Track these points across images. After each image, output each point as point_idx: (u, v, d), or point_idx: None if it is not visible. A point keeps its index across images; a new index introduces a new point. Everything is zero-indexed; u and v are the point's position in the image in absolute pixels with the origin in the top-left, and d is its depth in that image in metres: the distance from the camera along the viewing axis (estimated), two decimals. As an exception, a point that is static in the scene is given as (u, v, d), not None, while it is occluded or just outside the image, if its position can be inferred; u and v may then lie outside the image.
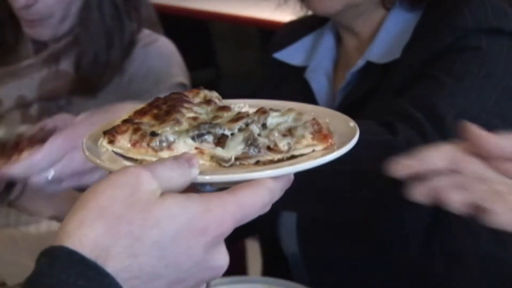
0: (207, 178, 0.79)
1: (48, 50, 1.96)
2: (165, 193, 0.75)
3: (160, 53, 1.95)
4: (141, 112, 0.88)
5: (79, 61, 1.92)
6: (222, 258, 0.77)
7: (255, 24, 4.60)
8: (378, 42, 1.57)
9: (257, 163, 0.82)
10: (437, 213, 1.41)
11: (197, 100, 0.93)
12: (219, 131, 0.84)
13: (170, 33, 2.16)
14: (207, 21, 5.01)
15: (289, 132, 0.85)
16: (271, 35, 1.87)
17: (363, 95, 1.54)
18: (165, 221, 0.73)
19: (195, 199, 0.75)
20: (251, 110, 0.90)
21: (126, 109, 1.17)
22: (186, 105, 0.89)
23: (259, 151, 0.82)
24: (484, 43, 1.42)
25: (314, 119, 0.86)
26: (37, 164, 1.24)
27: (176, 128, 0.84)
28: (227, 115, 0.88)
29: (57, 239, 0.72)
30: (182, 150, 0.82)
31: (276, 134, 0.84)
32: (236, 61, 5.12)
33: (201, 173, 0.78)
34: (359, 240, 1.52)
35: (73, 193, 1.88)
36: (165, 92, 1.91)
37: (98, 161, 0.81)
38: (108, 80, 1.90)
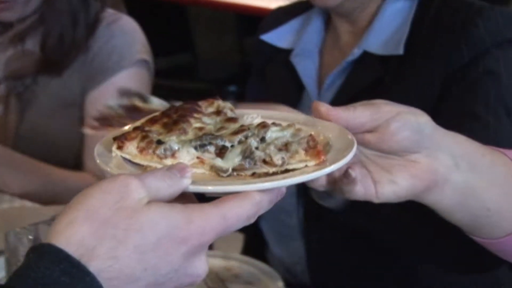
0: (198, 188, 0.83)
1: (14, 30, 1.98)
2: (151, 201, 0.79)
3: (123, 31, 1.99)
4: (152, 120, 0.92)
5: (44, 40, 1.96)
6: (200, 266, 0.81)
7: (233, 9, 4.58)
8: (375, 32, 1.56)
9: (253, 174, 0.86)
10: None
11: (210, 109, 0.97)
12: (220, 142, 0.88)
13: (148, 17, 2.15)
14: (185, 6, 4.99)
15: (285, 147, 0.88)
16: (249, 20, 1.87)
17: (367, 87, 1.53)
18: (148, 228, 0.77)
19: (178, 209, 0.79)
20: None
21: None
22: (196, 115, 0.93)
23: (255, 164, 0.87)
24: (502, 64, 1.43)
25: (311, 135, 0.89)
26: None
27: (182, 137, 0.89)
28: (232, 126, 0.92)
29: (47, 236, 0.77)
30: (185, 159, 0.87)
31: (272, 148, 0.88)
32: (214, 45, 5.10)
33: (196, 183, 0.83)
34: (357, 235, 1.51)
35: (45, 169, 1.88)
36: (128, 68, 1.91)
37: (108, 169, 0.86)
38: (73, 59, 1.94)
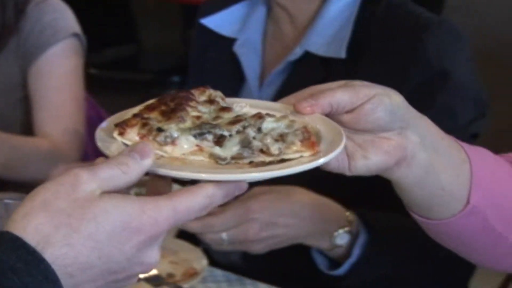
0: (195, 175, 0.86)
1: None
2: (104, 193, 0.82)
3: (53, 8, 2.03)
4: (150, 108, 0.95)
5: None
6: (153, 256, 0.84)
7: (177, 0, 4.57)
8: (317, 31, 1.56)
9: (251, 163, 0.90)
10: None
11: (202, 98, 1.00)
12: (218, 131, 0.91)
13: (91, 9, 2.16)
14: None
15: (280, 137, 0.92)
16: (194, 10, 1.85)
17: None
18: (101, 217, 0.80)
19: (131, 200, 0.82)
20: (253, 110, 0.98)
21: (300, 192, 1.41)
22: (191, 103, 0.96)
23: (252, 153, 0.91)
24: (456, 96, 1.48)
25: (304, 127, 0.94)
26: None
27: (181, 125, 0.92)
28: (227, 116, 0.95)
29: (6, 225, 0.80)
30: (184, 146, 0.90)
31: (269, 139, 0.92)
32: (158, 37, 5.10)
33: (193, 170, 0.87)
34: None
35: (18, 142, 1.88)
36: (63, 40, 1.98)
37: (108, 153, 0.89)
38: (6, 42, 1.98)
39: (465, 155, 1.09)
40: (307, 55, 1.55)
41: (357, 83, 1.01)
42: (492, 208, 1.11)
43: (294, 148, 0.91)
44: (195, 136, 0.91)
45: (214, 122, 0.93)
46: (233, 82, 1.66)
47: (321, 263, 1.47)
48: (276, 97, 1.57)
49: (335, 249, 1.43)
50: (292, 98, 1.02)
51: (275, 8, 1.63)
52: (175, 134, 0.90)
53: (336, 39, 1.53)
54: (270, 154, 0.90)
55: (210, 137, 0.91)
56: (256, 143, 0.91)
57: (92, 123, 2.05)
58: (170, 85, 4.14)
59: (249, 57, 1.65)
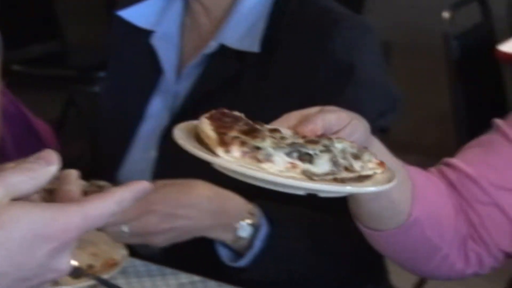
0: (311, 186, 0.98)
1: None
2: (14, 201, 0.81)
3: None
4: (224, 127, 1.01)
5: None
6: (64, 262, 0.84)
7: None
8: (232, 24, 1.58)
9: (335, 179, 1.00)
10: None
11: None
12: (305, 150, 1.00)
13: (13, 5, 2.13)
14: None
15: (354, 156, 1.03)
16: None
17: (226, 81, 1.57)
18: (11, 225, 0.79)
19: (41, 207, 0.81)
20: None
21: (201, 184, 1.42)
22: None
23: (339, 170, 1.00)
24: (342, 94, 1.51)
25: (365, 147, 1.06)
26: None
27: (265, 143, 0.99)
28: (281, 135, 1.03)
29: None
30: (279, 163, 0.98)
31: (349, 157, 1.02)
32: (83, 32, 5.06)
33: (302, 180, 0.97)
34: None
35: None
36: None
37: (219, 162, 0.98)
38: None
39: (407, 173, 1.25)
40: (222, 48, 1.58)
41: (333, 108, 1.13)
42: (429, 220, 1.27)
43: (371, 165, 1.03)
44: (287, 154, 0.99)
45: (295, 142, 1.01)
46: (151, 75, 1.67)
47: (224, 255, 1.49)
48: (193, 90, 1.60)
49: (239, 241, 1.46)
50: (283, 122, 1.10)
51: (191, 0, 1.65)
52: (271, 152, 0.98)
53: (251, 32, 1.56)
54: (352, 171, 1.01)
55: (296, 155, 0.99)
56: (342, 161, 1.01)
57: (11, 120, 2.03)
58: (96, 80, 4.12)
59: (166, 50, 1.66)
